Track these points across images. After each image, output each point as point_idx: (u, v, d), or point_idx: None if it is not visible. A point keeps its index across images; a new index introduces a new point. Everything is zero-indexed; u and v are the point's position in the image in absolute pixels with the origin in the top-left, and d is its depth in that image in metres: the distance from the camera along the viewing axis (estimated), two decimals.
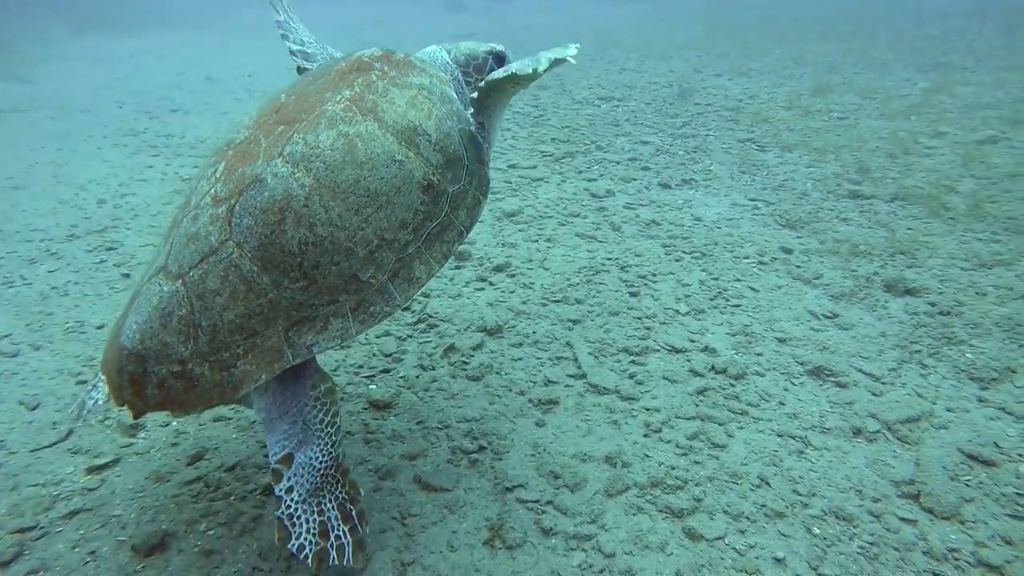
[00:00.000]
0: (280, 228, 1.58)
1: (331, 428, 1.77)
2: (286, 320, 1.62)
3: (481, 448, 2.31)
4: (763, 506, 2.05)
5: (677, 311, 3.13)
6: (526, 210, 4.35)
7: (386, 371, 2.81)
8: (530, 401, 2.58)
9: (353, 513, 1.79)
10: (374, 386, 2.72)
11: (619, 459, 2.23)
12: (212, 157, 1.83)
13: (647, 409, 2.49)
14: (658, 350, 2.84)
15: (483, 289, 3.45)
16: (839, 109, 6.38)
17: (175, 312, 1.57)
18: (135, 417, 1.59)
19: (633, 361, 2.78)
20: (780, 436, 2.35)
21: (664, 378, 2.66)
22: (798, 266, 3.52)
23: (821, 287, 3.33)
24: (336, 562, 1.71)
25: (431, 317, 3.20)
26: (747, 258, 3.61)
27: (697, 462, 2.23)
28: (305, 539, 1.71)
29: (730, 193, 4.49)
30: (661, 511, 2.04)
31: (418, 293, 1.93)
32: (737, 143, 5.45)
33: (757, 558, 1.87)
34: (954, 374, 2.70)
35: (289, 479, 1.73)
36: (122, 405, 1.60)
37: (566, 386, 2.66)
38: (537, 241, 3.93)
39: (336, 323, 1.66)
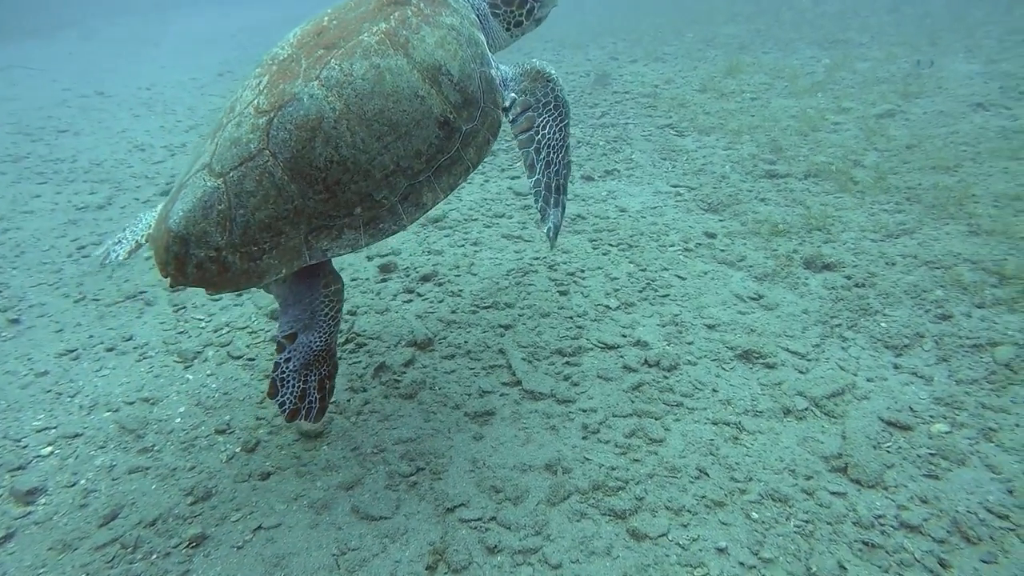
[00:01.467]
0: (310, 145, 1.81)
1: (333, 321, 2.12)
2: (307, 225, 1.86)
3: (419, 469, 2.27)
4: (703, 497, 2.10)
5: (607, 307, 3.17)
6: (451, 214, 4.30)
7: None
8: (466, 415, 2.55)
9: (327, 387, 2.16)
10: None
11: (559, 466, 2.24)
12: (257, 69, 2.04)
13: (584, 411, 2.51)
14: (591, 348, 2.87)
15: (411, 301, 3.39)
16: (751, 89, 6.64)
17: (215, 206, 1.81)
18: (172, 288, 2.04)
19: (567, 362, 2.79)
20: (715, 424, 2.42)
21: (599, 377, 2.69)
22: (722, 250, 3.64)
23: (745, 269, 3.46)
24: (304, 419, 2.15)
25: (359, 336, 3.12)
26: (673, 246, 3.71)
27: (636, 460, 2.27)
28: (287, 399, 2.11)
29: (652, 181, 4.59)
30: (604, 514, 2.06)
31: (423, 216, 2.12)
32: (656, 129, 5.58)
33: (701, 551, 1.92)
34: (871, 344, 2.85)
35: (290, 352, 2.10)
36: (166, 278, 1.86)
37: (502, 395, 2.65)
38: (464, 246, 3.89)
39: (349, 234, 1.91)
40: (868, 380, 2.64)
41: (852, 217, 3.89)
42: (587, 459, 2.27)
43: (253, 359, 2.98)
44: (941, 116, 5.44)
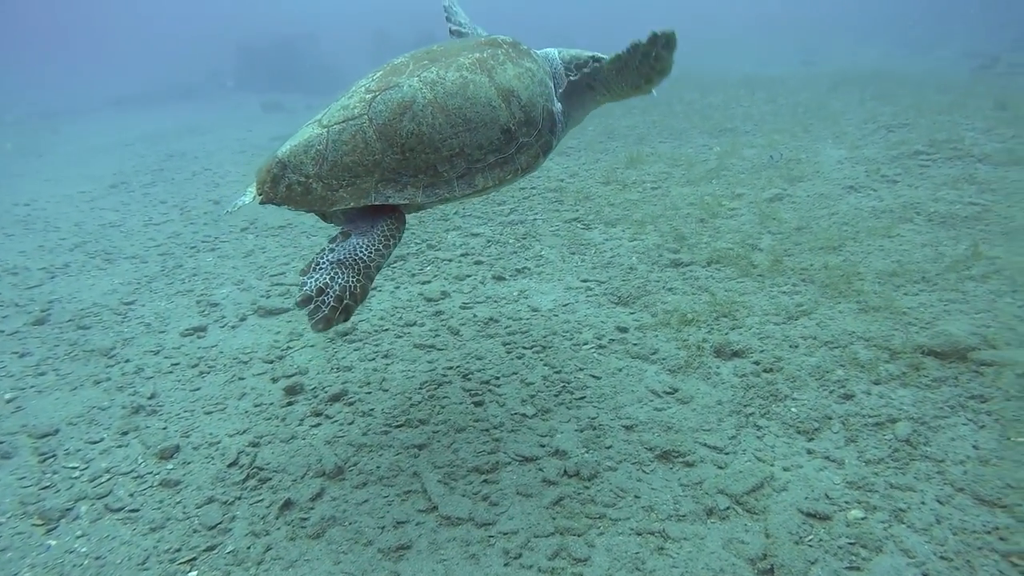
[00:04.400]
0: (400, 118, 2.35)
1: (386, 240, 2.42)
2: (380, 176, 2.35)
3: None
4: None
5: (524, 415, 3.16)
6: (360, 326, 4.25)
7: (210, 549, 2.51)
8: (380, 551, 2.42)
9: (343, 304, 2.30)
10: (195, 572, 2.40)
11: None
12: (375, 70, 2.61)
13: (504, 533, 2.44)
14: (509, 463, 2.83)
15: (319, 425, 3.27)
16: (651, 179, 7.14)
17: (315, 146, 2.36)
18: (263, 203, 2.40)
19: (485, 480, 2.73)
20: (639, 535, 2.41)
21: (519, 494, 2.64)
22: (635, 344, 3.76)
23: (659, 362, 3.57)
24: (309, 314, 2.29)
25: (262, 470, 2.94)
26: (586, 344, 3.80)
27: None
28: (309, 283, 2.34)
29: (563, 277, 4.75)
30: None
31: (470, 194, 2.54)
32: (564, 224, 5.84)
33: None
34: (784, 431, 2.97)
35: (336, 245, 2.43)
36: (261, 195, 2.40)
37: (417, 524, 2.54)
38: (374, 359, 3.83)
39: (410, 190, 2.39)
40: (785, 469, 2.73)
41: (755, 301, 4.15)
42: None
43: (137, 510, 2.73)
44: (822, 198, 6.02)
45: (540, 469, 2.78)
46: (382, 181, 2.35)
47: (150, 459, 3.07)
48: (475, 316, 4.24)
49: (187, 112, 19.53)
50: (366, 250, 2.39)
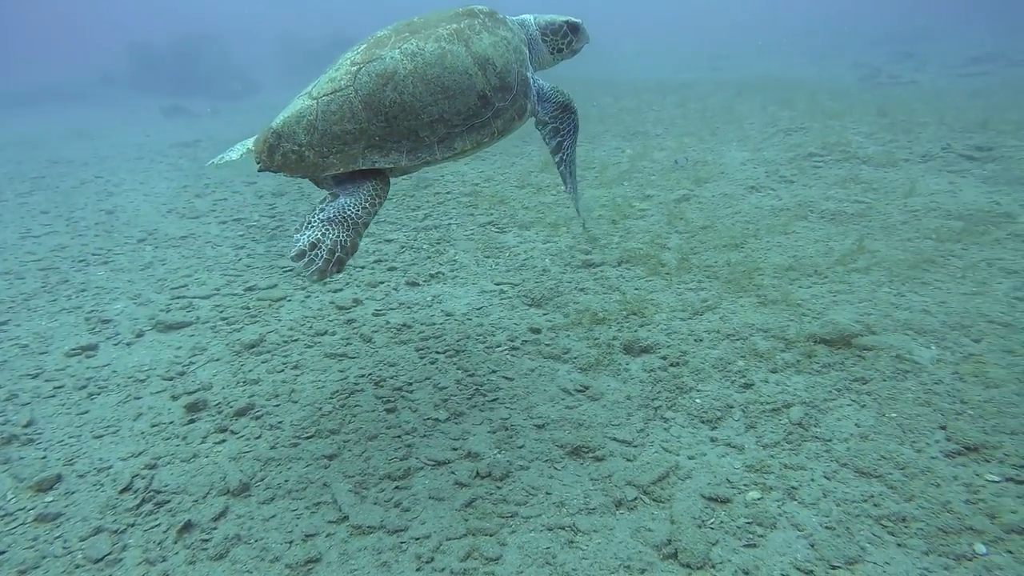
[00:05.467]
0: (382, 88, 2.55)
1: (371, 198, 2.65)
2: (366, 143, 2.57)
3: None
4: None
5: (437, 420, 3.18)
6: (269, 337, 4.14)
7: None
8: (287, 566, 2.37)
9: (335, 256, 2.55)
10: None
11: None
12: (360, 42, 2.77)
13: (416, 539, 2.45)
14: (421, 468, 2.84)
15: (224, 442, 3.15)
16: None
17: (306, 116, 2.56)
18: (260, 170, 2.63)
19: (397, 487, 2.73)
20: (550, 530, 2.48)
21: (431, 498, 2.65)
22: (547, 344, 3.86)
23: (570, 361, 3.68)
24: (303, 267, 2.55)
25: (159, 493, 2.81)
26: (499, 346, 3.86)
27: None
28: (303, 238, 2.57)
29: (477, 281, 4.80)
30: None
31: (450, 157, 2.73)
32: (479, 228, 5.90)
33: None
34: (689, 421, 3.13)
35: (326, 204, 2.65)
36: (258, 163, 2.62)
37: (328, 535, 2.51)
38: (283, 371, 3.74)
39: (395, 154, 2.60)
40: (690, 458, 2.88)
41: (663, 298, 4.35)
42: None
43: (2, 552, 2.53)
44: (726, 198, 6.37)
45: (452, 472, 2.80)
46: (368, 147, 2.57)
47: (23, 493, 2.86)
48: (388, 323, 4.22)
49: (74, 115, 18.33)
50: (354, 208, 2.61)
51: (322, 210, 2.63)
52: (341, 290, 4.77)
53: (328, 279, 2.53)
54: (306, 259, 2.54)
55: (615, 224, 5.82)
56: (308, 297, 4.71)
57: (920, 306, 3.97)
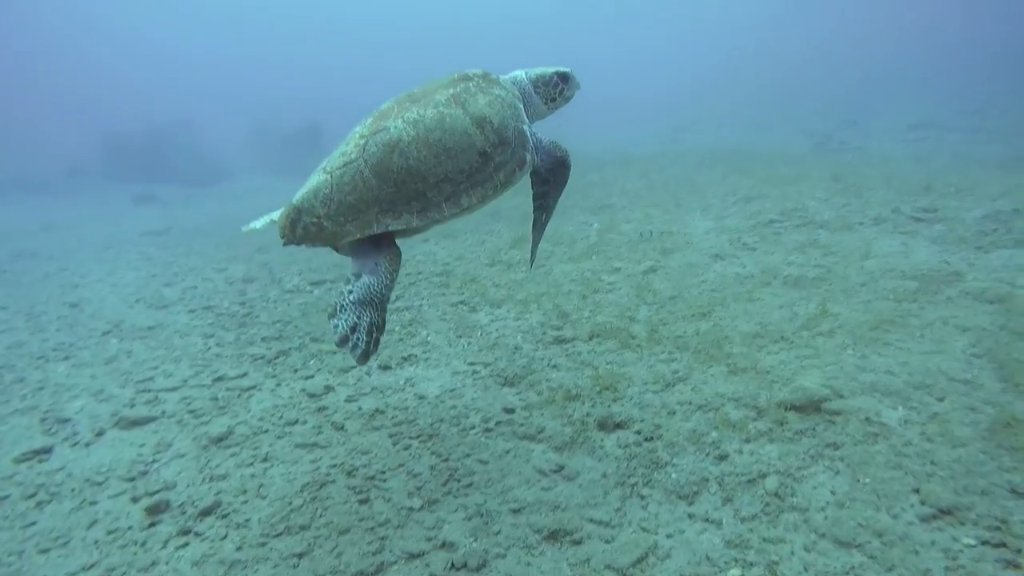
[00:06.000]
0: (389, 155, 2.73)
1: (389, 274, 2.82)
2: (378, 208, 2.73)
3: None
4: None
5: (411, 508, 3.12)
6: (238, 429, 4.06)
7: None
8: None
9: (374, 335, 2.78)
10: None
11: None
12: (367, 117, 2.97)
13: None
14: (395, 561, 2.77)
15: (186, 545, 3.05)
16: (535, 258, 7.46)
17: (322, 190, 2.74)
18: (285, 244, 2.81)
19: None
20: None
21: None
22: (521, 424, 3.85)
23: (545, 441, 3.67)
24: (352, 352, 2.76)
25: None
26: (473, 428, 3.84)
27: None
28: (341, 323, 2.76)
29: (450, 361, 4.82)
30: None
31: (458, 213, 2.88)
32: (450, 307, 5.96)
33: None
34: (666, 497, 3.12)
35: (353, 286, 2.81)
36: (282, 237, 2.79)
37: None
38: (252, 464, 3.66)
39: (406, 216, 2.76)
40: (668, 536, 2.86)
41: (634, 372, 4.40)
42: None
43: None
44: (692, 268, 6.56)
45: (427, 565, 2.74)
46: (381, 212, 2.74)
47: None
48: (360, 409, 4.18)
49: (42, 207, 18.32)
50: (378, 287, 2.80)
51: (350, 292, 2.80)
52: (312, 377, 4.74)
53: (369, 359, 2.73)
54: (350, 343, 2.75)
55: (585, 299, 5.92)
56: (279, 385, 4.66)
57: (884, 367, 4.07)
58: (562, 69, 3.40)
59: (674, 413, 3.84)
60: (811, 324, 4.84)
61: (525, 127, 3.13)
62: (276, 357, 5.17)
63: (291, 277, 7.74)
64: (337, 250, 2.99)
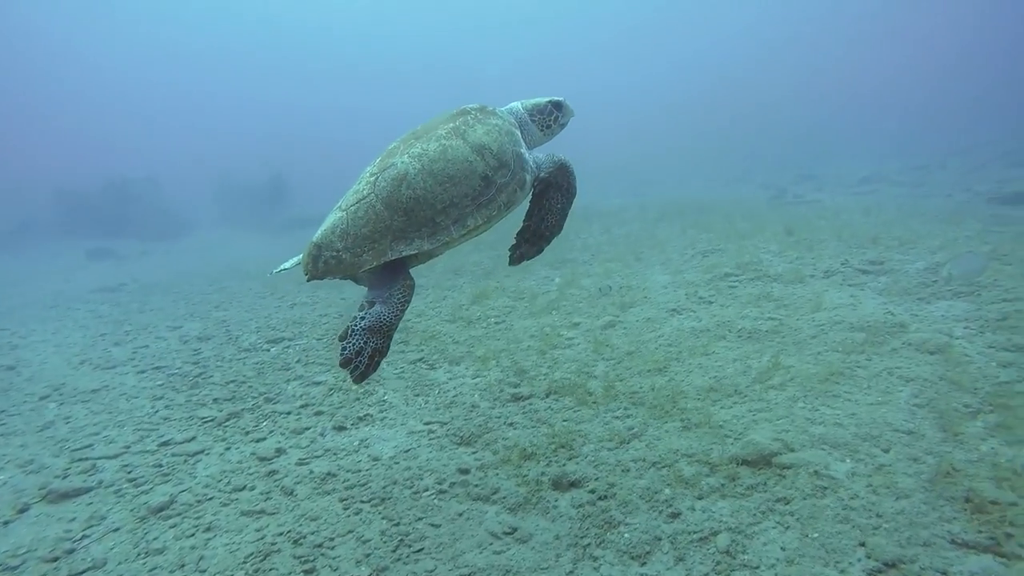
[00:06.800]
0: (398, 188, 2.92)
1: (401, 304, 2.96)
2: (392, 237, 2.90)
3: None
4: None
5: None
6: (180, 497, 3.95)
7: None
8: None
9: (375, 360, 2.90)
10: None
11: None
12: (377, 157, 3.18)
13: None
14: None
15: None
16: (495, 314, 7.55)
17: (339, 226, 2.95)
18: (308, 280, 3.02)
19: None
20: None
21: None
22: (476, 485, 3.83)
23: (499, 502, 3.65)
24: (351, 373, 2.86)
25: None
26: (427, 490, 3.81)
27: None
28: (348, 347, 2.84)
29: (406, 421, 4.79)
30: None
31: (466, 235, 3.03)
32: (408, 365, 5.95)
33: None
34: (619, 558, 3.13)
35: (365, 313, 2.91)
36: (306, 273, 3.00)
37: None
38: (193, 535, 3.55)
39: (417, 241, 2.93)
40: None
41: (590, 429, 4.43)
42: None
43: None
44: (649, 322, 6.70)
45: None
46: (394, 240, 2.92)
47: None
48: (312, 472, 4.12)
49: None
50: (388, 315, 2.92)
51: (363, 319, 2.92)
52: (264, 439, 4.65)
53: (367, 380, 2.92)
54: (352, 365, 2.87)
55: (544, 354, 5.99)
56: (228, 449, 4.56)
57: (833, 419, 4.19)
58: (556, 98, 3.59)
59: (628, 471, 3.87)
60: (764, 377, 4.97)
61: (523, 151, 3.30)
62: (227, 419, 5.07)
63: (248, 335, 7.65)
64: (356, 281, 3.18)
